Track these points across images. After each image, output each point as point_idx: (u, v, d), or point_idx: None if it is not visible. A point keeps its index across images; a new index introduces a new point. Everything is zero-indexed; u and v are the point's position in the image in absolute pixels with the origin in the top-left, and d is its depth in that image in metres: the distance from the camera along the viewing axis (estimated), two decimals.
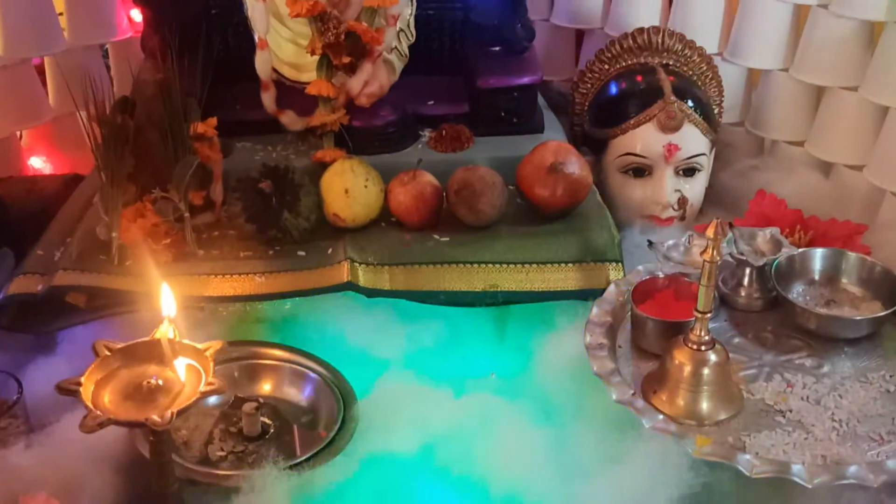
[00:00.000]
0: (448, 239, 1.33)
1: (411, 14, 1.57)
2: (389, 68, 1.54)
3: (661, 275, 1.22)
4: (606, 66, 1.65)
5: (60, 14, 1.88)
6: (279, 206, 1.29)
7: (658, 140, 1.49)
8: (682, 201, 1.51)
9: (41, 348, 1.21)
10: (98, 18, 1.87)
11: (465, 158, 1.48)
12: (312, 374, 1.19)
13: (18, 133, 1.83)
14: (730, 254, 1.22)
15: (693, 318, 1.03)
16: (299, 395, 1.19)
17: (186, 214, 1.29)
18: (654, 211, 1.52)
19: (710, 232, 0.95)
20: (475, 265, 1.30)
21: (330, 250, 1.31)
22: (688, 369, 1.03)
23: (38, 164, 1.85)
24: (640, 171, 1.52)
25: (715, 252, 0.96)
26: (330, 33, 1.41)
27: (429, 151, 1.52)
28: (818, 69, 1.62)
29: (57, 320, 1.22)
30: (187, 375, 0.93)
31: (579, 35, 2.09)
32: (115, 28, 1.90)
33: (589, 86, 1.67)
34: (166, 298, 0.94)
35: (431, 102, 1.59)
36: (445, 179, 1.37)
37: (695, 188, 1.54)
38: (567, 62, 2.12)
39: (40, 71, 1.89)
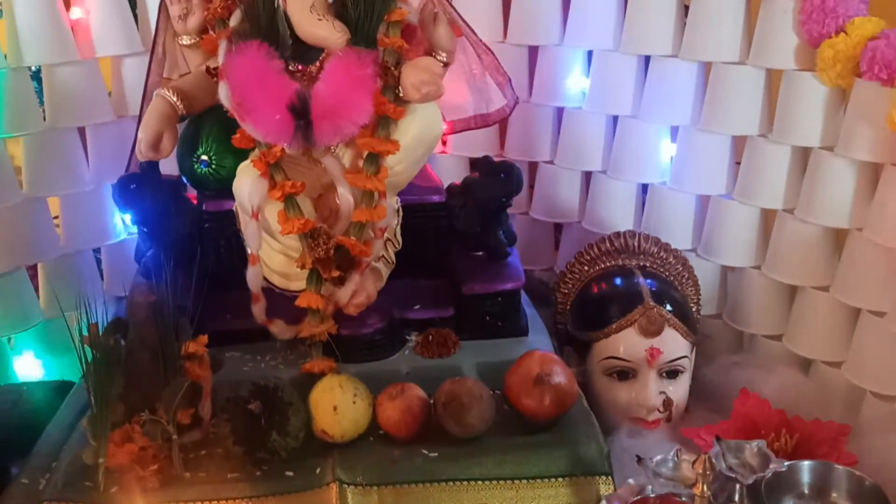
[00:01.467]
0: (437, 454, 1.33)
1: (398, 224, 1.63)
2: (377, 276, 1.59)
3: (651, 494, 1.22)
4: (586, 268, 1.71)
5: (56, 217, 1.95)
6: (267, 427, 1.29)
7: (640, 344, 1.53)
8: (668, 403, 1.53)
9: None
10: (93, 223, 1.94)
11: (452, 364, 1.51)
12: None
13: (8, 338, 1.84)
14: (719, 470, 1.22)
15: None
16: None
17: (174, 436, 1.28)
18: (640, 413, 1.53)
19: (698, 467, 0.96)
20: (465, 482, 1.29)
21: (318, 469, 1.30)
22: None
23: (30, 368, 1.85)
24: (625, 373, 1.55)
25: (705, 487, 0.97)
26: (320, 249, 1.46)
27: (416, 358, 1.54)
28: (789, 269, 1.69)
29: None
30: None
31: (558, 225, 2.18)
32: (109, 232, 1.96)
33: (570, 286, 1.73)
34: None
35: (417, 307, 1.62)
36: (433, 387, 1.38)
37: (679, 389, 1.56)
38: (546, 252, 2.21)
39: (33, 275, 1.93)
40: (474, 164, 2.15)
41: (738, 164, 1.81)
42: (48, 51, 1.77)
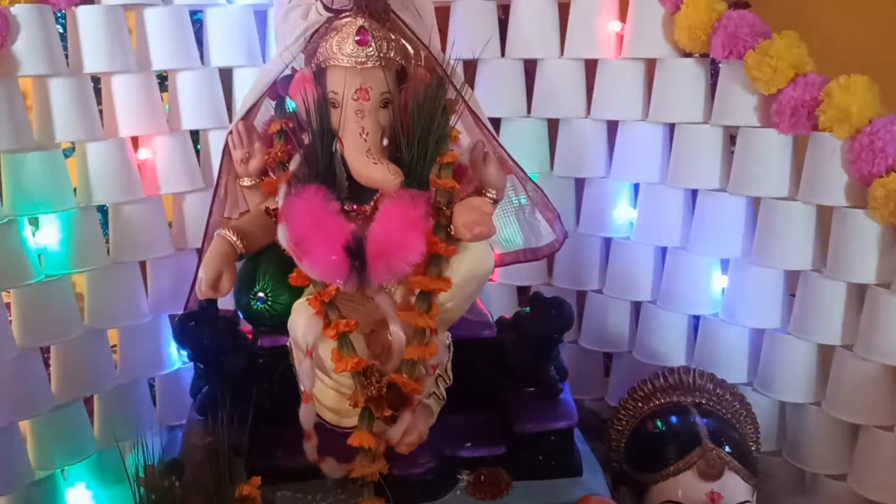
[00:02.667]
0: None
1: (449, 359, 1.63)
2: (428, 413, 1.58)
3: None
4: (640, 405, 1.68)
5: (114, 346, 1.99)
6: None
7: (700, 488, 1.49)
8: None
9: None
10: (150, 353, 1.98)
11: None
12: None
13: (61, 469, 1.86)
14: None
15: None
16: None
17: None
18: None
19: None
20: None
21: None
22: None
23: (80, 498, 1.86)
24: None
25: None
26: (372, 387, 1.47)
27: (468, 499, 1.52)
28: (851, 407, 1.64)
29: None
30: None
31: (608, 353, 2.16)
32: (164, 362, 2.00)
33: (624, 423, 1.70)
34: None
35: (469, 444, 1.61)
36: None
37: None
38: (597, 381, 2.18)
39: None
40: (523, 293, 2.17)
41: (792, 295, 1.80)
42: (116, 191, 1.85)
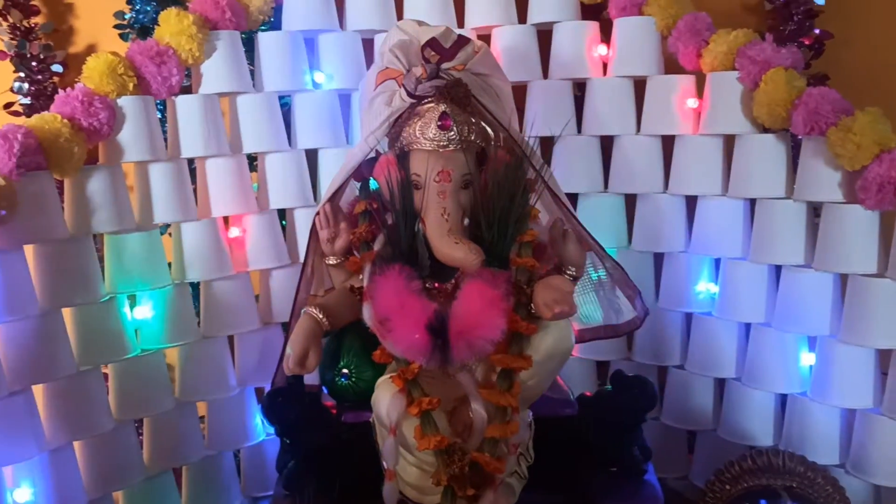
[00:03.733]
0: None
1: (530, 438, 1.63)
2: (510, 492, 1.57)
3: None
4: (728, 487, 1.64)
5: (201, 418, 2.05)
6: None
7: None
8: None
9: None
10: (236, 426, 2.03)
11: None
12: None
13: None
14: None
15: None
16: None
17: None
18: None
19: None
20: None
21: None
22: None
23: None
24: None
25: None
26: (455, 465, 1.47)
27: None
28: None
29: None
30: None
31: (691, 431, 2.11)
32: (250, 434, 2.05)
33: None
34: None
35: None
36: None
37: None
38: (680, 459, 2.13)
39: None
40: (602, 368, 2.16)
41: (885, 374, 1.74)
42: (209, 268, 1.94)
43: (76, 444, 1.76)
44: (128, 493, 1.85)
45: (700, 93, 1.99)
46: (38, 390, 1.69)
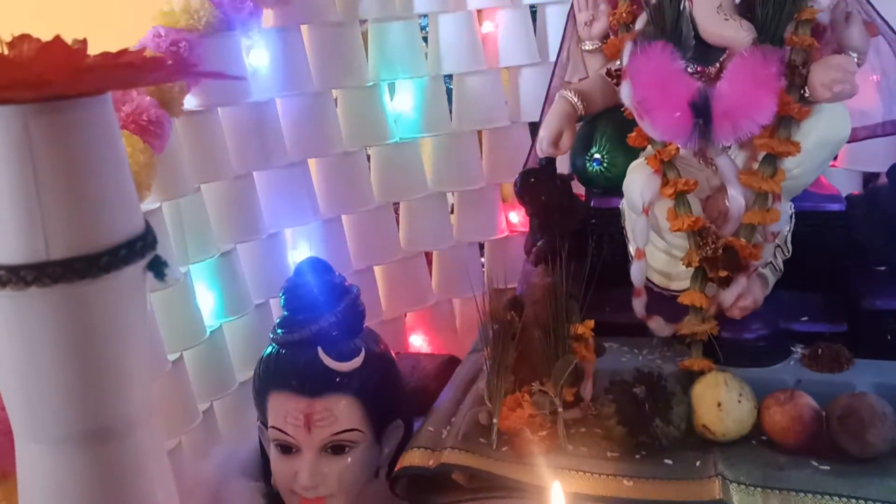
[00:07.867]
0: (829, 468, 1.25)
1: (789, 230, 1.56)
2: (763, 282, 1.54)
3: None
4: None
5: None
6: (651, 413, 1.31)
7: None
8: None
9: None
10: (484, 221, 2.12)
11: (844, 381, 1.41)
12: None
13: (404, 314, 2.09)
14: None
15: None
16: None
17: (560, 409, 1.35)
18: None
19: None
20: (860, 501, 1.19)
21: (698, 462, 1.28)
22: None
23: (418, 342, 2.08)
24: None
25: None
26: (708, 248, 1.45)
27: (802, 370, 1.47)
28: None
29: (441, 495, 1.33)
30: None
31: None
32: (495, 228, 2.14)
33: None
34: (557, 499, 0.99)
35: (805, 319, 1.54)
36: (821, 402, 1.30)
37: None
38: None
39: (428, 259, 2.16)
40: (868, 178, 2.00)
41: None
42: (463, 61, 1.98)
43: (343, 218, 1.93)
44: (388, 267, 2.02)
45: None
46: (312, 165, 1.86)
